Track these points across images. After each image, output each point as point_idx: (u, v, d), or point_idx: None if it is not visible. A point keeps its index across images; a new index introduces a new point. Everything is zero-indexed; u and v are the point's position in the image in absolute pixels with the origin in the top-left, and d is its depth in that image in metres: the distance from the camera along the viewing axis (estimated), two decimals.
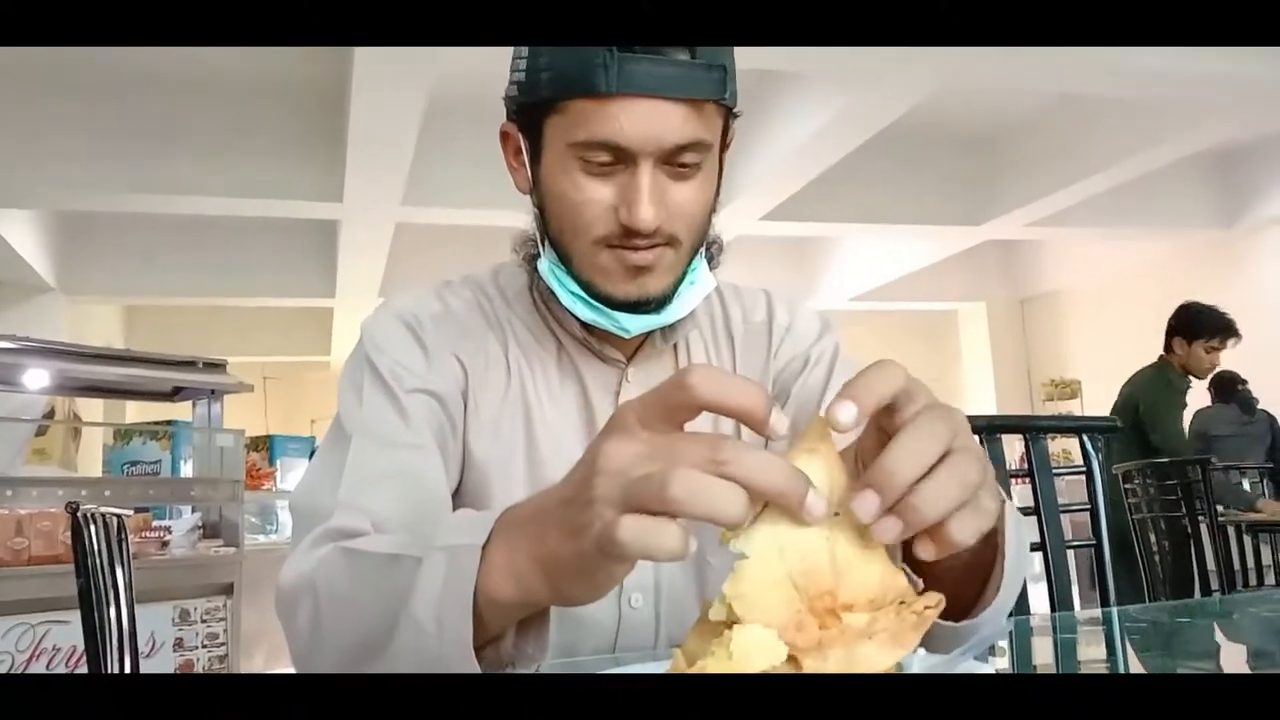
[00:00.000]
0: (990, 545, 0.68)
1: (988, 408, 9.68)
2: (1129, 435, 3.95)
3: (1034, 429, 1.43)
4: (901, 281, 8.88)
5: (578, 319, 0.94)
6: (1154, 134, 5.85)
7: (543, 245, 0.94)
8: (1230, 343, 4.07)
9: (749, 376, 1.03)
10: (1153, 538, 3.45)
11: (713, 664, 0.45)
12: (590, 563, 0.52)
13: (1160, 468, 3.45)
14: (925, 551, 0.51)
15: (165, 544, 3.74)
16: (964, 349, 10.38)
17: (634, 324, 0.91)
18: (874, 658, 0.47)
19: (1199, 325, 4.08)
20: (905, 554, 0.72)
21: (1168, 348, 4.12)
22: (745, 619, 0.47)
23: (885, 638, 0.48)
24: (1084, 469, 1.43)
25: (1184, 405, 4.07)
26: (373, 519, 0.80)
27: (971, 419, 1.44)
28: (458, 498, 0.94)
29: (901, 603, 0.49)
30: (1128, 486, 3.52)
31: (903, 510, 0.49)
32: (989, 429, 1.39)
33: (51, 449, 4.47)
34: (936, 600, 0.50)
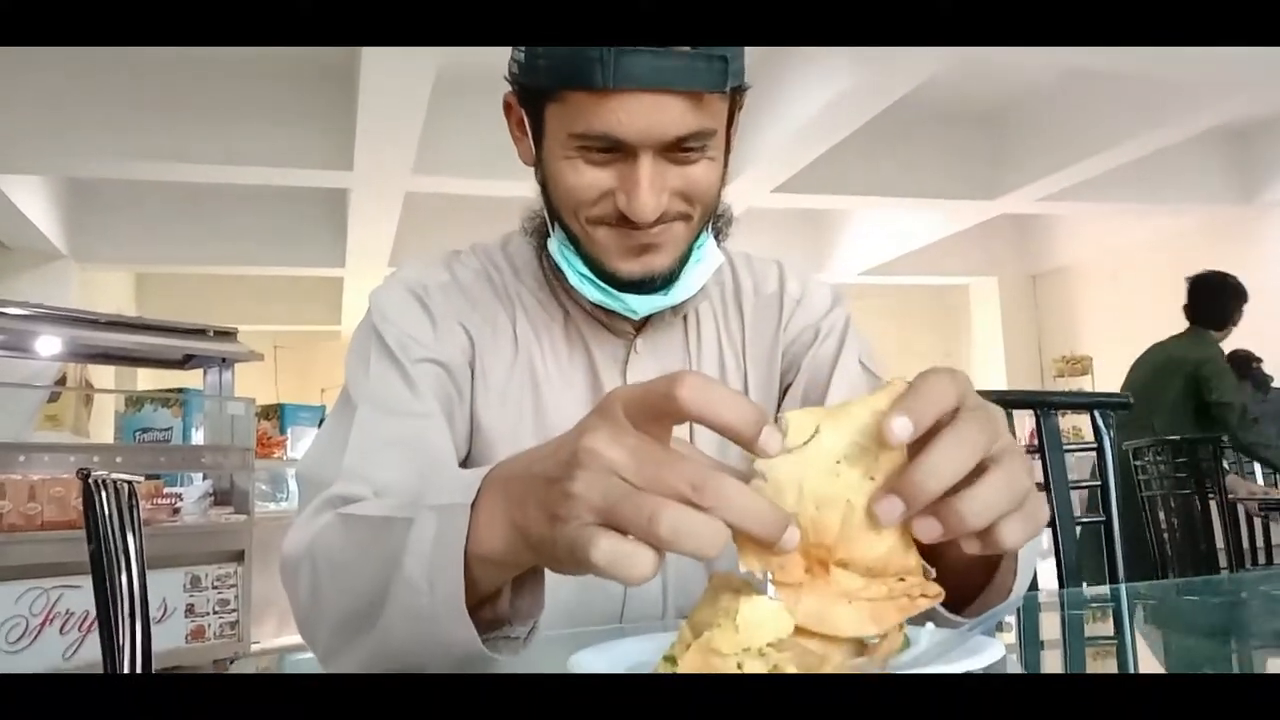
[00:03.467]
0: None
1: (998, 383, 9.66)
2: (1182, 406, 3.82)
3: (1045, 404, 1.42)
4: (913, 256, 8.84)
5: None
6: (1169, 109, 5.78)
7: (552, 225, 0.93)
8: None
9: (759, 351, 1.02)
10: (1162, 515, 3.44)
11: (719, 636, 0.45)
12: (561, 553, 0.51)
13: (1172, 445, 3.43)
14: (971, 547, 0.51)
15: (177, 511, 3.77)
16: (975, 324, 10.34)
17: (642, 305, 0.91)
18: (845, 623, 0.47)
19: (1242, 290, 3.98)
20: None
21: (1229, 320, 3.96)
22: (735, 538, 0.47)
23: (865, 608, 0.47)
24: (1095, 445, 1.42)
25: None
26: (376, 487, 0.79)
27: (981, 394, 1.43)
28: (467, 467, 0.93)
29: (900, 580, 0.48)
30: (1137, 464, 3.51)
31: (946, 516, 0.48)
32: (999, 404, 1.36)
33: (64, 415, 4.49)
34: (935, 593, 0.49)
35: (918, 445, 0.49)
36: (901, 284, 9.97)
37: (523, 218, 0.99)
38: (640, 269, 0.88)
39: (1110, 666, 0.83)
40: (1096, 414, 1.42)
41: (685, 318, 1.01)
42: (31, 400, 3.97)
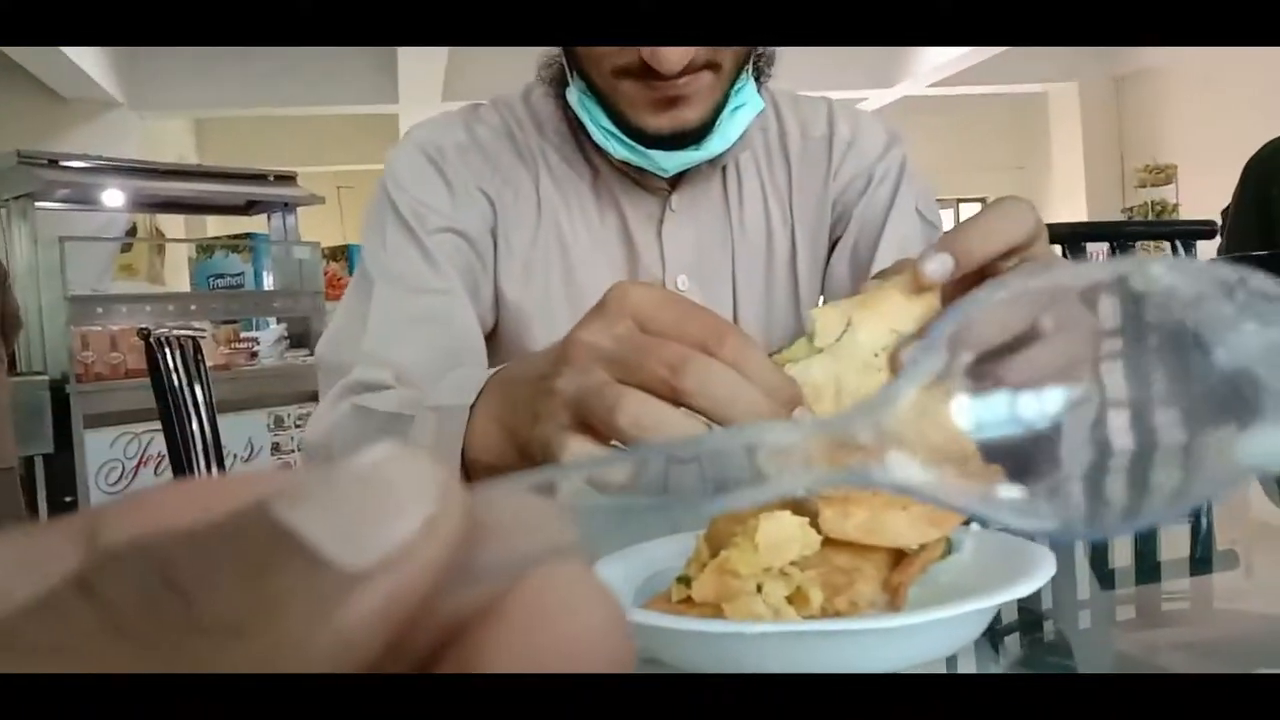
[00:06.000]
0: None
1: (1076, 197, 9.31)
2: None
3: (1121, 236, 1.33)
4: (987, 63, 8.37)
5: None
6: None
7: (571, 74, 0.85)
8: None
9: (806, 201, 0.95)
10: None
11: (736, 556, 0.40)
12: (538, 458, 0.49)
13: (1243, 262, 3.27)
14: None
15: (254, 355, 3.88)
16: (1053, 134, 9.87)
17: (671, 162, 0.83)
18: (902, 531, 0.42)
19: None
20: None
21: None
22: None
23: (920, 512, 0.42)
24: None
25: None
26: (397, 370, 0.77)
27: (1053, 227, 1.35)
28: (495, 342, 0.90)
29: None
30: None
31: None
32: (1072, 237, 1.29)
33: (138, 264, 4.59)
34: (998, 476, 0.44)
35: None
36: (976, 94, 9.50)
37: (539, 64, 0.91)
38: (669, 124, 0.80)
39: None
40: (1178, 243, 1.33)
41: (724, 170, 0.93)
42: (104, 252, 4.05)
